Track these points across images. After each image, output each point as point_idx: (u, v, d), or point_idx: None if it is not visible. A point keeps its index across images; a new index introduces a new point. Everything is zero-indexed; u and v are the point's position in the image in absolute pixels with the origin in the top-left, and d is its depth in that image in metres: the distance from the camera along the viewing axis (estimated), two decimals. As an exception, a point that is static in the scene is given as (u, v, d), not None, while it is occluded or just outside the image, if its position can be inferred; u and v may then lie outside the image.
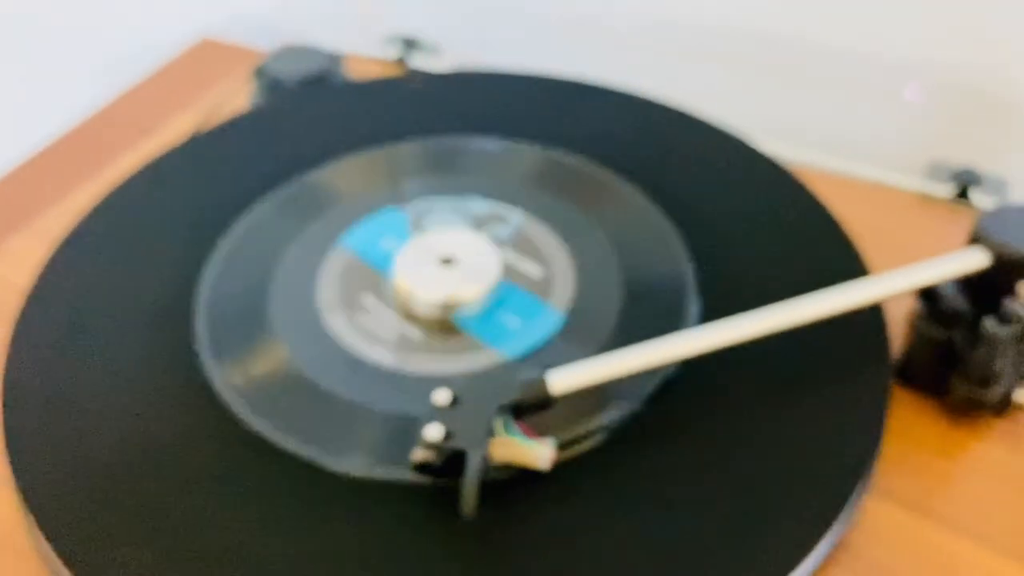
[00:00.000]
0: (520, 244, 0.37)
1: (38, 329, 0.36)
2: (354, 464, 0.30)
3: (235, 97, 0.50)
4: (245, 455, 0.31)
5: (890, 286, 0.32)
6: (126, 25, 0.60)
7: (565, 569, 0.28)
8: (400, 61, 0.54)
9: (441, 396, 0.29)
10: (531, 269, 0.36)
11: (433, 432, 0.28)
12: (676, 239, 0.37)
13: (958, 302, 0.33)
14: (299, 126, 0.45)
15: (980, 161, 0.43)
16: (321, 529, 0.29)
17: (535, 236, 0.38)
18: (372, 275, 0.37)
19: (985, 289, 0.32)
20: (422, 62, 0.54)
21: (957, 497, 0.31)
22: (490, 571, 0.28)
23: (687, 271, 0.36)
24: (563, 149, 0.42)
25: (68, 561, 0.29)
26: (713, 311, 0.34)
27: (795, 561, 0.28)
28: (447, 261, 0.36)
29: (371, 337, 0.34)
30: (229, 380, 0.33)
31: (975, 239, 0.33)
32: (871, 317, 0.34)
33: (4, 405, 0.33)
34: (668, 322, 0.34)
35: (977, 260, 0.32)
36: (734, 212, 0.39)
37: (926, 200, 0.43)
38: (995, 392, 0.32)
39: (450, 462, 0.28)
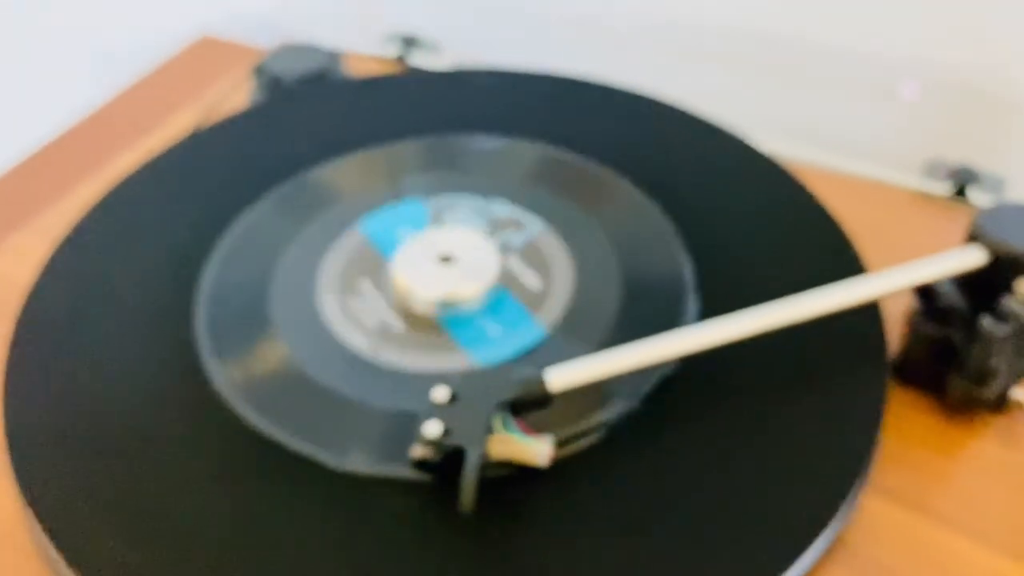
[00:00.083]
0: (529, 254, 0.37)
1: (39, 327, 0.36)
2: (353, 461, 0.30)
3: (235, 95, 0.50)
4: (245, 453, 0.31)
5: (887, 284, 0.32)
6: (126, 23, 0.60)
7: (563, 565, 0.28)
8: (400, 59, 0.54)
9: (440, 393, 0.29)
10: (531, 280, 0.36)
11: (432, 429, 0.28)
12: (675, 237, 0.37)
13: (955, 300, 0.33)
14: (299, 124, 0.45)
15: (978, 159, 0.43)
16: (320, 526, 0.29)
17: (546, 248, 0.37)
18: (376, 260, 0.37)
19: (982, 287, 0.32)
20: (422, 60, 0.54)
21: (954, 494, 0.31)
22: (488, 567, 0.28)
23: (686, 269, 0.36)
24: (563, 147, 0.42)
25: (69, 559, 0.29)
26: (711, 309, 0.34)
27: (793, 558, 0.28)
28: (447, 259, 0.36)
29: (354, 322, 0.35)
30: (229, 377, 0.33)
31: (972, 237, 0.33)
32: (869, 315, 0.34)
33: (5, 402, 0.33)
34: (667, 320, 0.34)
35: (974, 258, 0.32)
36: (733, 210, 0.39)
37: (924, 198, 0.43)
38: (992, 390, 0.32)
39: (449, 459, 0.28)
